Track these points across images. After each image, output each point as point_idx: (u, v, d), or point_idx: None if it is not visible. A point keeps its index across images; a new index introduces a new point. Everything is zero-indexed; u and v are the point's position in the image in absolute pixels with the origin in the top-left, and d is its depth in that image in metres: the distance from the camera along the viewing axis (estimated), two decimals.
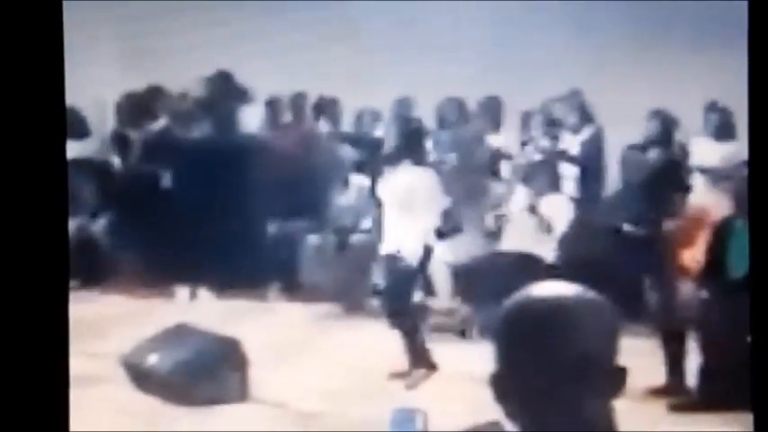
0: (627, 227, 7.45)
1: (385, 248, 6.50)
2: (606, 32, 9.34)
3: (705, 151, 7.99)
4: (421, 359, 6.39)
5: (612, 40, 9.29)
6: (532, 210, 7.47)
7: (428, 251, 6.54)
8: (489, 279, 6.97)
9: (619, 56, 9.24)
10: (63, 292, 2.77)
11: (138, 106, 9.21)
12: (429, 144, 8.61)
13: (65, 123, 2.95)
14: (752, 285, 2.56)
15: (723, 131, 8.11)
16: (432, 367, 6.40)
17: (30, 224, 2.75)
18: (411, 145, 6.50)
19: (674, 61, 8.94)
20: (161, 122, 9.00)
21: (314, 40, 9.65)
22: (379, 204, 6.84)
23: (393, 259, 6.39)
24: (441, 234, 7.83)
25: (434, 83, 9.29)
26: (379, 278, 6.72)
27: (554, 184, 7.84)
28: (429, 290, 7.69)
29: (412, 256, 6.33)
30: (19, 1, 2.80)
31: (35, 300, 2.71)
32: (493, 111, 8.96)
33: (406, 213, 6.33)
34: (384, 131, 6.68)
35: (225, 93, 8.97)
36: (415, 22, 9.67)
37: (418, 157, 6.51)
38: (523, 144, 8.69)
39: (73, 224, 8.81)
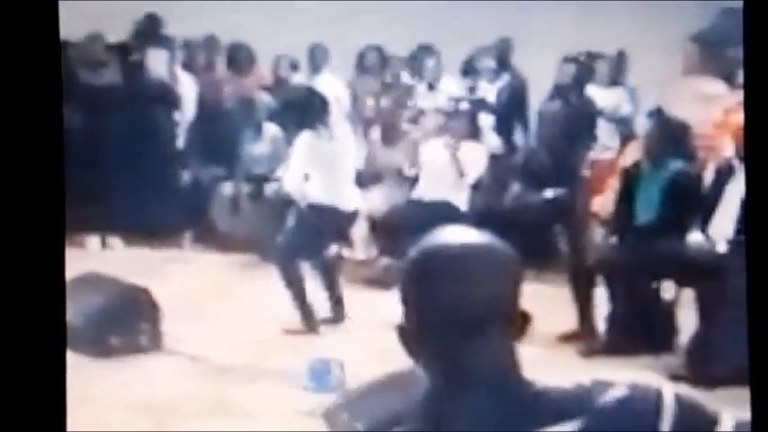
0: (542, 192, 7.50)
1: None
2: None
3: (603, 98, 8.12)
4: (308, 319, 6.37)
5: None
6: (452, 153, 7.47)
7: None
8: (407, 228, 6.99)
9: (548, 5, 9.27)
10: (59, 285, 2.64)
11: None
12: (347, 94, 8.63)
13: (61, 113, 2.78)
14: (748, 264, 2.56)
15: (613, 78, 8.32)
16: (314, 329, 6.38)
17: (25, 215, 2.62)
18: (306, 115, 6.55)
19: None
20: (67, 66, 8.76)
21: None
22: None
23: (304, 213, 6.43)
24: (358, 183, 7.83)
25: (358, 30, 9.24)
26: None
27: (472, 133, 7.85)
28: (346, 241, 7.68)
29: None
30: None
31: (30, 296, 2.59)
32: (418, 59, 8.96)
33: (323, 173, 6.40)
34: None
35: (147, 37, 8.76)
36: None
37: (313, 124, 6.55)
38: (443, 92, 8.69)
39: None
